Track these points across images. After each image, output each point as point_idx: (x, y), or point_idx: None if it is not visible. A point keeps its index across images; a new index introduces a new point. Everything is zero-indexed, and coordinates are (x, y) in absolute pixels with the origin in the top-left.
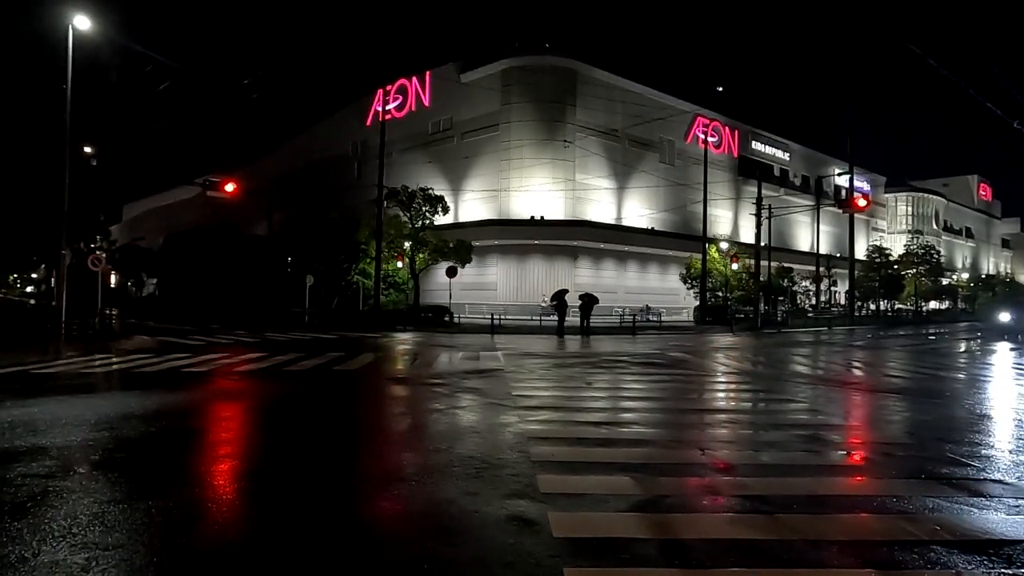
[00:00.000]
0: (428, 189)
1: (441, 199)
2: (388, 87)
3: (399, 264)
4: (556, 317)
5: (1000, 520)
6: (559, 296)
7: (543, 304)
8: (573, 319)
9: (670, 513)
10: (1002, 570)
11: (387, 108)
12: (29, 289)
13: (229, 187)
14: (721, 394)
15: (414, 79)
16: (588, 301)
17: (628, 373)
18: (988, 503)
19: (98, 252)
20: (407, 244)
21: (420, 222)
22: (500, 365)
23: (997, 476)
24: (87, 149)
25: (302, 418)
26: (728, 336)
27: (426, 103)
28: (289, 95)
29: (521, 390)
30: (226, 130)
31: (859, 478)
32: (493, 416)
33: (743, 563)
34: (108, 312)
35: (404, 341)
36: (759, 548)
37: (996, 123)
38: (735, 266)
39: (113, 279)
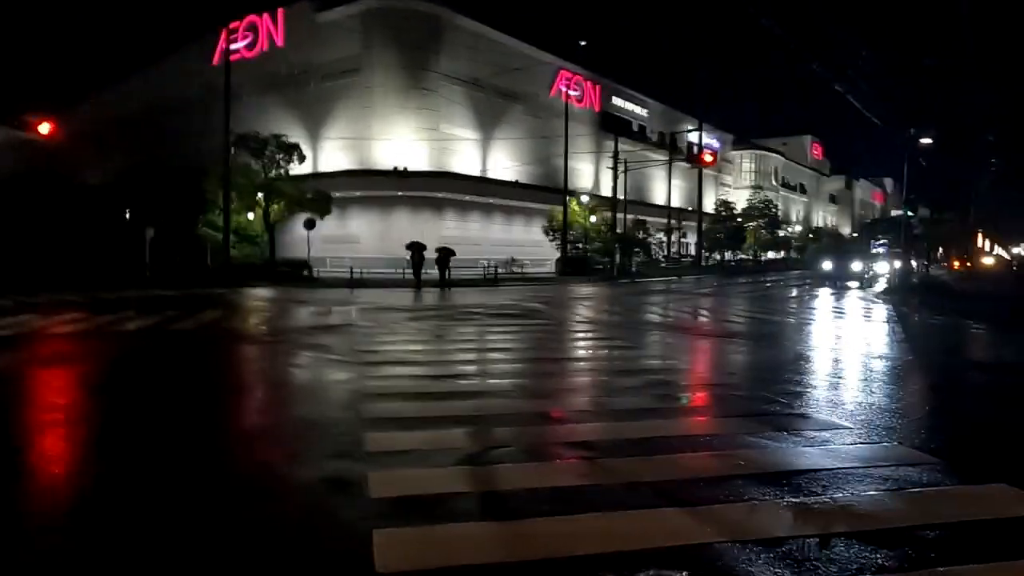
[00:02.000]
0: (283, 136)
1: (297, 147)
2: (235, 24)
3: (251, 216)
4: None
5: (795, 451)
6: (412, 248)
7: (408, 258)
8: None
9: (496, 465)
10: (790, 498)
11: (235, 48)
12: None
13: (44, 128)
14: (569, 344)
15: (265, 16)
16: (444, 254)
17: (481, 325)
18: (789, 436)
19: None
20: (260, 195)
21: (274, 171)
22: (352, 320)
23: (801, 411)
24: None
25: (113, 386)
26: (586, 287)
27: (279, 43)
28: (124, 24)
29: (368, 345)
30: (48, 64)
31: (685, 419)
32: (332, 374)
33: (557, 511)
34: None
35: (255, 297)
36: (577, 494)
37: (827, 86)
38: (594, 219)
39: None
